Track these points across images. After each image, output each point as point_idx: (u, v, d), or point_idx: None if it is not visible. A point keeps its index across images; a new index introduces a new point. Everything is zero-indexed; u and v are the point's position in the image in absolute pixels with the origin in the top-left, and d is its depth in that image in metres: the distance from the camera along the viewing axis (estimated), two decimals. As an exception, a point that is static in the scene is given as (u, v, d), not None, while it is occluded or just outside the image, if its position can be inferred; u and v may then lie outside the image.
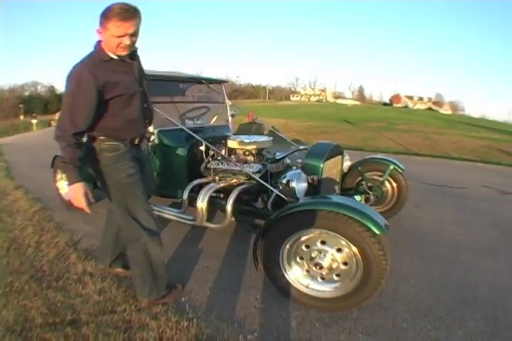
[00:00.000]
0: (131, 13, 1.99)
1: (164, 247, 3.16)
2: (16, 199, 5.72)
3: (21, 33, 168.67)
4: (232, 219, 3.20)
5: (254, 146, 3.59)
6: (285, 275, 2.51)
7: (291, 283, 2.50)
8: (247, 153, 3.62)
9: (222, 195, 3.54)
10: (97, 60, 2.11)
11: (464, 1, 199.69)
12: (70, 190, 2.15)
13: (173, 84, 4.24)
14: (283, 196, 2.98)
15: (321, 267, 2.39)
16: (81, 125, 2.09)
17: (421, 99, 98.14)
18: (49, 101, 65.11)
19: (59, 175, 5.03)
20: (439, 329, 2.35)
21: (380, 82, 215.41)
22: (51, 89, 73.63)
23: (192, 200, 3.39)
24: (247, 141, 3.60)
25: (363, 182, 3.94)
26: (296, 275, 2.51)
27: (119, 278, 3.04)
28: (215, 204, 3.37)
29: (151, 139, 3.53)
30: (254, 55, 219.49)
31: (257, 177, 3.22)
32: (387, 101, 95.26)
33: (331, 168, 3.46)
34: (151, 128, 3.47)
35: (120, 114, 2.25)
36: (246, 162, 3.53)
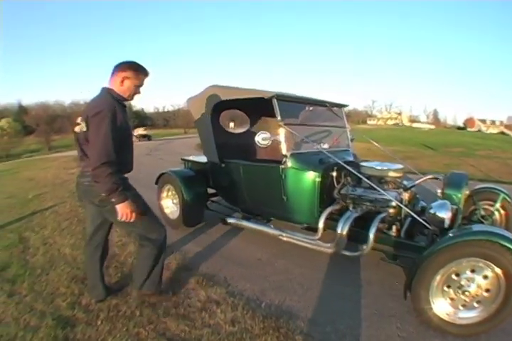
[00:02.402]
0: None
1: (297, 274, 3.63)
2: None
3: (93, 47, 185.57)
4: (365, 246, 3.27)
5: (390, 174, 3.67)
6: (431, 303, 2.68)
7: (435, 311, 2.67)
8: (382, 180, 3.71)
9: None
10: (118, 101, 2.74)
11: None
12: (122, 207, 2.60)
13: (301, 107, 4.39)
14: (428, 225, 3.13)
15: (468, 294, 2.61)
16: (114, 156, 2.54)
17: (493, 122, 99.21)
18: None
19: (164, 194, 5.15)
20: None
21: (454, 104, 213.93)
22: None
23: (325, 227, 3.58)
24: (384, 168, 3.68)
25: (477, 212, 4.16)
26: (440, 303, 2.69)
27: (252, 306, 2.97)
28: (351, 232, 3.42)
29: (283, 161, 3.71)
30: (329, 77, 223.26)
31: (399, 205, 3.39)
32: (462, 125, 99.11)
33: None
34: (284, 151, 3.71)
35: (128, 151, 2.87)
36: (383, 189, 3.56)
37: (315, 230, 3.65)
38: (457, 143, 26.26)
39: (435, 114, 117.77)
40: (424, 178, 3.86)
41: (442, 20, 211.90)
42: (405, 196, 3.55)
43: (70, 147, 29.68)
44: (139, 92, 2.89)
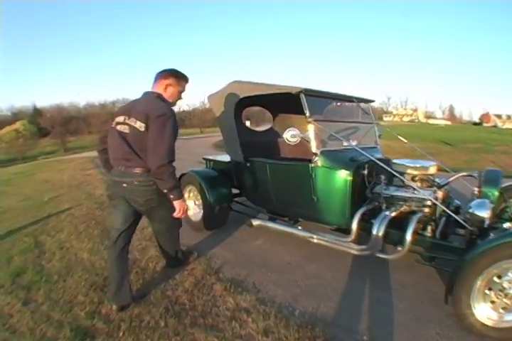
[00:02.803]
0: None
1: (329, 278, 3.48)
2: (125, 214, 5.69)
3: (112, 51, 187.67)
4: (400, 248, 3.16)
5: (424, 171, 3.54)
6: (472, 308, 2.59)
7: (477, 315, 2.59)
8: (416, 178, 3.57)
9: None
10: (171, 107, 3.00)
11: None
12: (180, 203, 2.93)
13: (327, 102, 4.27)
14: (467, 225, 3.04)
15: (510, 297, 2.54)
16: (174, 155, 2.82)
17: (509, 117, 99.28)
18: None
19: (186, 195, 5.00)
20: None
21: (469, 100, 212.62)
22: None
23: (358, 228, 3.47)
24: (417, 165, 3.56)
25: (508, 209, 3.94)
26: (481, 307, 2.61)
27: (285, 314, 2.81)
28: (386, 233, 3.31)
29: (314, 160, 3.59)
30: (341, 73, 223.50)
31: (436, 204, 3.30)
32: (477, 121, 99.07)
33: None
34: (314, 149, 3.58)
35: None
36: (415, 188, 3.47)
37: (345, 231, 3.58)
38: (475, 139, 26.43)
39: (451, 109, 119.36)
40: (457, 176, 3.72)
41: (455, 14, 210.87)
42: (440, 194, 3.42)
43: (86, 148, 29.99)
44: (181, 98, 3.17)
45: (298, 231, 3.84)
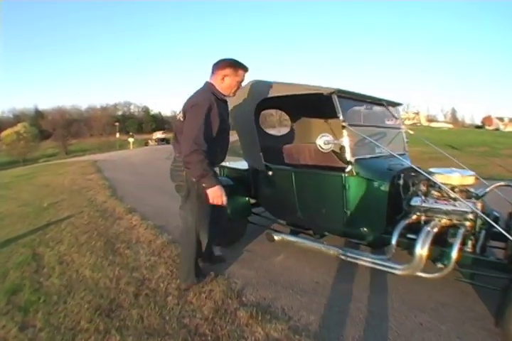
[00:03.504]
0: None
1: (364, 299, 3.15)
2: (131, 225, 5.39)
3: (114, 52, 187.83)
4: (440, 265, 2.93)
5: (464, 182, 3.25)
6: None
7: None
8: (456, 189, 3.26)
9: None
10: (218, 97, 3.05)
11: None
12: (213, 191, 2.91)
13: (356, 105, 3.96)
14: None
15: None
16: (205, 146, 2.84)
17: (511, 120, 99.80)
18: (143, 121, 77.90)
19: None
20: None
21: (471, 102, 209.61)
22: (145, 110, 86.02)
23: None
24: (457, 175, 3.27)
25: None
26: None
27: None
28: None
29: (347, 170, 3.34)
30: (343, 78, 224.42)
31: (481, 217, 3.02)
32: (480, 124, 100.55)
33: None
34: (348, 157, 3.32)
35: (218, 144, 3.07)
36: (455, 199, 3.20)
37: (375, 246, 3.47)
38: (480, 143, 26.37)
39: (453, 112, 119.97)
40: (494, 186, 3.41)
41: (454, 15, 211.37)
42: (479, 206, 3.13)
43: (88, 151, 29.86)
44: (240, 87, 3.23)
45: (328, 248, 3.50)
